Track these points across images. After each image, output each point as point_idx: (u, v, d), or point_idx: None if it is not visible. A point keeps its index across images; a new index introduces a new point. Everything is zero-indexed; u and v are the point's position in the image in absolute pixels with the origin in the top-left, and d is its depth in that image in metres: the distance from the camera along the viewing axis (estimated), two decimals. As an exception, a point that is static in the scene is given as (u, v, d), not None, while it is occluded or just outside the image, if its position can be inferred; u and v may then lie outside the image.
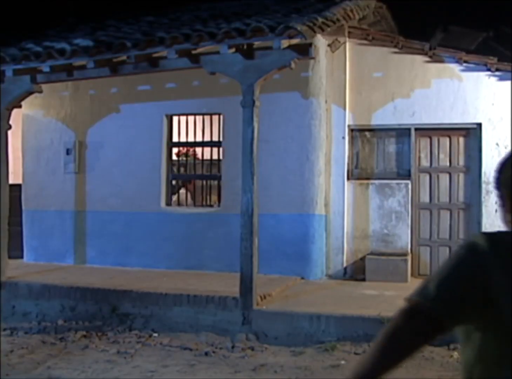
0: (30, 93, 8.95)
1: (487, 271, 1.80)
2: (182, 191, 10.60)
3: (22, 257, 10.65)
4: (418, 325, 1.89)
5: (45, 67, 8.37)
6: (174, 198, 10.37)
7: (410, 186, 9.29)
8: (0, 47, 8.90)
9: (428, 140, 9.54)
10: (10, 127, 9.03)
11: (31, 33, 9.90)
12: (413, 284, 8.79)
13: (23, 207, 10.74)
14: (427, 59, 9.33)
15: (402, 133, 9.56)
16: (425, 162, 9.55)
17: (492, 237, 1.88)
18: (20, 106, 9.98)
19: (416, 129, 9.47)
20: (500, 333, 1.82)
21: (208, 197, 10.56)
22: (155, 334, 7.43)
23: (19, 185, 10.69)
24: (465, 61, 9.18)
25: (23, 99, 9.22)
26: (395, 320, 1.92)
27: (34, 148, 10.71)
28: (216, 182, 10.36)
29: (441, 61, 9.30)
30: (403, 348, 1.94)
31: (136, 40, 7.92)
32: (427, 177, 9.53)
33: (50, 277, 9.04)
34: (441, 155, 9.51)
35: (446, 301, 1.84)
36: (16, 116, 9.73)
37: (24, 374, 6.08)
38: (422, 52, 9.33)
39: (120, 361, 6.48)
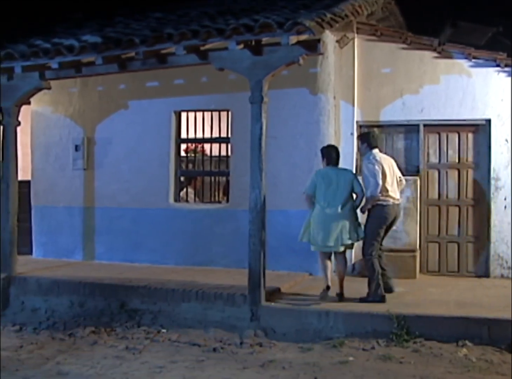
0: (39, 89, 8.97)
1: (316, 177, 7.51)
2: (190, 189, 10.61)
3: (31, 253, 10.69)
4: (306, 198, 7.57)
5: (54, 64, 8.37)
6: (181, 194, 10.39)
7: (418, 182, 9.25)
8: (9, 44, 8.93)
9: (437, 136, 9.51)
10: (19, 123, 9.06)
11: (39, 30, 9.92)
12: (421, 280, 8.82)
13: (32, 203, 10.77)
14: (436, 55, 9.31)
15: (410, 129, 9.55)
16: (433, 159, 9.54)
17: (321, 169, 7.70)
18: (29, 103, 10.02)
19: (424, 125, 9.46)
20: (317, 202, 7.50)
21: (216, 193, 10.55)
22: (164, 330, 7.44)
23: (28, 182, 10.72)
24: (474, 57, 9.15)
25: (32, 95, 9.24)
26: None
27: (43, 145, 10.74)
28: (224, 178, 10.37)
29: (450, 57, 9.28)
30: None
31: (144, 36, 7.92)
32: (436, 173, 9.52)
33: (59, 273, 9.07)
34: (450, 152, 9.49)
35: (308, 189, 7.50)
36: (25, 113, 9.74)
37: (33, 369, 6.09)
38: (431, 48, 9.30)
39: (129, 357, 6.49)
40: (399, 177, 7.72)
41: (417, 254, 9.11)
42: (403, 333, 6.60)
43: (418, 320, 6.67)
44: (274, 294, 7.71)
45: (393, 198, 7.48)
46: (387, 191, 7.39)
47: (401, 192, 7.97)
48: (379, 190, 7.25)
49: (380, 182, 7.26)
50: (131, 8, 11.03)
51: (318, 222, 7.41)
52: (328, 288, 7.52)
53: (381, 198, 7.34)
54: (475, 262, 9.35)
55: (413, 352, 6.34)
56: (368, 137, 7.69)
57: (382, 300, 7.34)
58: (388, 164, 7.56)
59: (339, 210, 7.35)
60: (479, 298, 7.59)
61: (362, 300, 7.45)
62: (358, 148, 7.82)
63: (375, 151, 7.59)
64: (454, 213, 9.45)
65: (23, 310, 8.47)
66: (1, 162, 9.21)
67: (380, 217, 7.42)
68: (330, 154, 7.67)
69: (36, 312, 8.36)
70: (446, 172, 9.49)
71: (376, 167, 7.32)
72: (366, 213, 7.57)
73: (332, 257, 7.70)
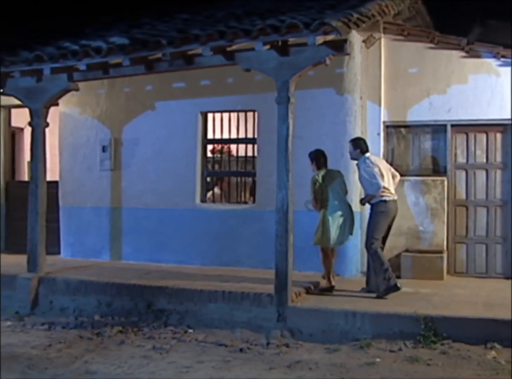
0: (67, 91, 9.07)
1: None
2: (216, 190, 10.64)
3: (59, 253, 10.80)
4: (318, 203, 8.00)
5: (82, 66, 8.46)
6: (208, 195, 10.41)
7: (446, 183, 9.20)
8: (38, 46, 9.03)
9: (465, 136, 9.43)
10: (47, 125, 9.17)
11: (68, 32, 10.01)
12: (449, 282, 8.75)
13: (60, 204, 10.88)
14: (464, 54, 9.23)
15: (438, 129, 9.48)
16: (461, 159, 9.46)
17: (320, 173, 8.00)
18: (57, 104, 10.15)
19: (452, 125, 9.38)
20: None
21: (242, 194, 10.57)
22: (190, 330, 7.48)
23: (56, 182, 10.84)
24: (503, 56, 9.05)
25: (60, 97, 9.36)
26: None
27: (70, 146, 10.84)
28: (250, 179, 10.38)
29: (478, 56, 9.19)
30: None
31: (171, 37, 7.96)
32: (464, 174, 9.43)
33: (87, 273, 9.15)
34: (478, 152, 9.41)
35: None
36: (53, 114, 9.86)
37: (62, 368, 6.16)
38: (458, 47, 9.22)
39: (156, 356, 6.53)
40: (393, 173, 8.19)
41: (445, 255, 9.05)
42: (431, 334, 6.56)
43: (445, 321, 6.63)
44: (300, 294, 7.76)
45: (392, 194, 7.94)
46: (386, 188, 7.82)
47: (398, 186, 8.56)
48: (381, 190, 7.73)
49: (381, 183, 7.72)
50: (157, 9, 11.09)
51: (338, 220, 7.98)
52: (333, 287, 8.09)
53: (383, 194, 7.78)
54: (504, 263, 9.25)
55: (440, 354, 6.30)
56: (360, 143, 8.11)
57: (396, 288, 7.64)
58: (382, 164, 8.09)
59: (345, 206, 8.07)
60: (508, 300, 7.50)
61: (378, 296, 7.63)
62: (350, 153, 8.21)
63: (368, 154, 8.01)
64: (482, 213, 9.36)
65: (51, 309, 8.57)
66: (30, 163, 9.33)
67: (384, 211, 7.81)
68: (319, 158, 8.11)
69: (64, 311, 8.44)
70: (474, 172, 9.41)
71: (375, 169, 7.79)
72: (369, 212, 8.06)
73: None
